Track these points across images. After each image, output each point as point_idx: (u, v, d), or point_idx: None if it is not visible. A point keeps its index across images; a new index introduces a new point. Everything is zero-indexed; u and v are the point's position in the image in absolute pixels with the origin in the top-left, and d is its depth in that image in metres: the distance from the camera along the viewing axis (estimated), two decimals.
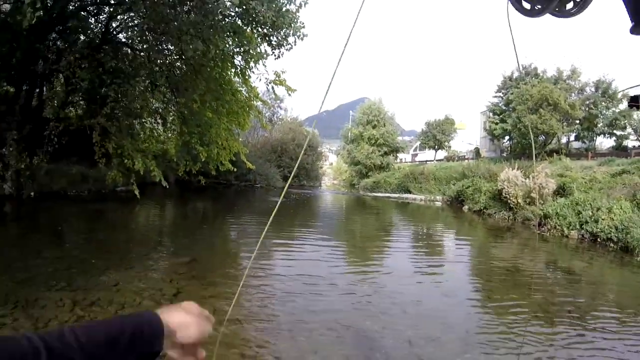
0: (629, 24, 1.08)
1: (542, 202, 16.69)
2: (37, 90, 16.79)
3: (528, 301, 6.67)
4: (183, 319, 0.88)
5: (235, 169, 19.24)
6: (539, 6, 1.33)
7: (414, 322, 5.56)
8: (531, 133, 30.26)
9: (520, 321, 5.75)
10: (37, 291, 5.71)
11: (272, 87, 17.08)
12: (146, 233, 12.16)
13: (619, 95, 31.40)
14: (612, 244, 12.32)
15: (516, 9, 1.38)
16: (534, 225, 15.82)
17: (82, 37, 16.60)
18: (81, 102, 18.21)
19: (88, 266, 7.08)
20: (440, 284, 7.79)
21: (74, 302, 5.37)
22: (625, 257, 11.19)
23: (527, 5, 1.36)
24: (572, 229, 13.85)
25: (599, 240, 12.82)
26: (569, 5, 1.30)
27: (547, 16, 1.34)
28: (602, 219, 13.07)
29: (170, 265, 7.82)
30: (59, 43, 16.60)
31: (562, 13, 1.31)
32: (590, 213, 13.69)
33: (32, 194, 15.09)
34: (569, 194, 16.69)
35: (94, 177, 18.60)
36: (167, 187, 14.84)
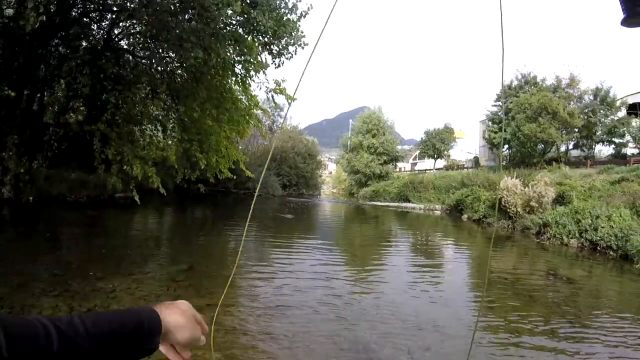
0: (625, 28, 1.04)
1: (541, 210, 16.68)
2: (38, 95, 16.81)
3: (528, 310, 6.63)
4: (179, 321, 0.90)
5: (234, 177, 19.22)
6: None
7: (413, 332, 5.52)
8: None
9: (520, 330, 5.71)
10: (32, 297, 5.66)
11: (272, 96, 17.12)
12: (144, 240, 12.11)
13: (618, 103, 31.48)
14: (611, 252, 12.33)
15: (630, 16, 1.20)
16: (533, 234, 15.79)
17: (84, 44, 16.65)
18: (82, 108, 18.26)
19: (85, 272, 7.04)
20: (439, 293, 7.74)
21: (71, 308, 5.33)
22: (625, 265, 11.20)
23: None
24: (571, 238, 13.84)
25: (598, 248, 12.83)
26: None
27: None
28: (602, 227, 13.07)
29: (167, 272, 7.77)
30: (60, 49, 16.67)
31: None
32: (590, 221, 13.68)
33: (31, 198, 15.00)
34: (568, 202, 16.70)
35: (93, 183, 18.55)
36: (165, 194, 14.81)
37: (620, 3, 0.97)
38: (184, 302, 0.97)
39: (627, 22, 0.98)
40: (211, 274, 7.96)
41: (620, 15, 1.00)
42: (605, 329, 6.02)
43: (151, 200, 18.43)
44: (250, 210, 2.00)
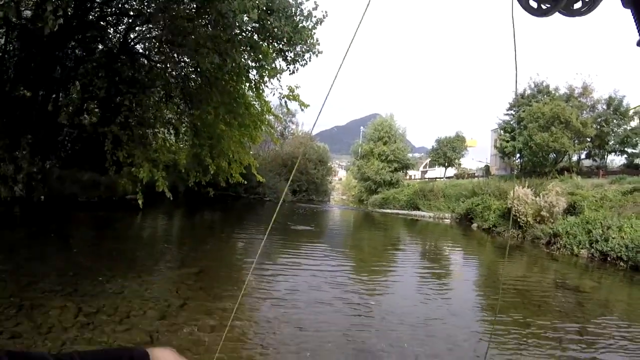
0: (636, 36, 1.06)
1: (552, 220, 16.56)
2: (54, 96, 16.96)
3: (537, 321, 6.58)
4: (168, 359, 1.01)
5: (245, 182, 19.27)
6: (547, 5, 1.31)
7: (422, 340, 5.51)
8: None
9: (529, 341, 5.68)
10: (41, 296, 5.70)
11: (285, 102, 17.14)
12: (154, 242, 12.18)
13: (631, 112, 31.28)
14: (622, 263, 12.23)
15: (523, 8, 1.35)
16: (543, 244, 15.67)
17: (100, 47, 16.85)
18: (96, 110, 18.41)
19: (94, 273, 7.08)
20: (448, 302, 7.71)
21: (79, 308, 5.36)
22: (635, 276, 11.14)
23: (534, 4, 1.34)
24: (582, 248, 13.74)
25: (608, 259, 12.73)
26: (578, 5, 1.28)
27: (557, 17, 1.33)
28: (613, 238, 12.96)
29: (177, 275, 7.81)
30: (77, 51, 16.88)
31: (570, 12, 1.30)
32: (601, 232, 13.57)
33: (43, 197, 15.08)
34: (579, 212, 16.56)
35: (105, 184, 18.65)
36: (172, 198, 14.84)
37: (636, 24, 0.98)
38: (171, 350, 1.05)
39: None
40: (221, 277, 7.99)
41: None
42: (614, 338, 5.98)
43: (162, 202, 18.56)
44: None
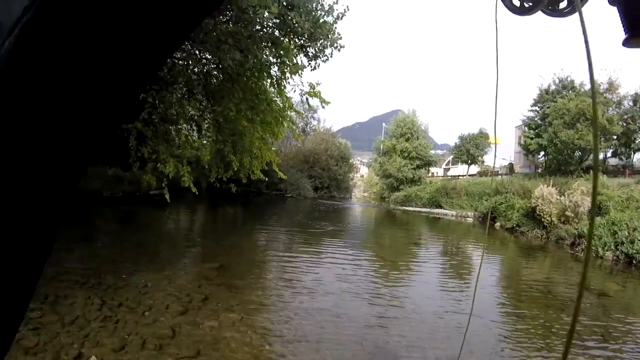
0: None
1: (576, 220, 16.29)
2: None
3: (559, 324, 6.49)
4: None
5: (266, 178, 19.33)
6: (530, 4, 1.29)
7: (441, 340, 5.49)
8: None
9: (550, 344, 5.61)
10: (67, 287, 5.82)
11: (307, 98, 17.14)
12: (177, 237, 12.32)
13: None
14: None
15: (506, 7, 1.34)
16: (567, 245, 15.43)
17: None
18: None
19: (118, 266, 7.21)
20: (468, 302, 7.65)
21: (103, 301, 5.47)
22: None
23: (517, 3, 1.32)
24: (607, 250, 13.46)
25: (634, 262, 12.43)
26: (563, 4, 1.27)
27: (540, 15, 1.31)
28: (639, 240, 12.67)
29: (199, 270, 7.90)
30: None
31: (554, 12, 1.28)
32: (627, 233, 13.28)
33: None
34: (605, 212, 16.22)
35: (129, 180, 18.93)
36: (197, 193, 14.97)
37: (622, 22, 0.95)
38: None
39: (629, 42, 0.96)
40: (242, 273, 8.05)
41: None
42: (637, 342, 5.88)
43: (184, 198, 18.73)
44: None
